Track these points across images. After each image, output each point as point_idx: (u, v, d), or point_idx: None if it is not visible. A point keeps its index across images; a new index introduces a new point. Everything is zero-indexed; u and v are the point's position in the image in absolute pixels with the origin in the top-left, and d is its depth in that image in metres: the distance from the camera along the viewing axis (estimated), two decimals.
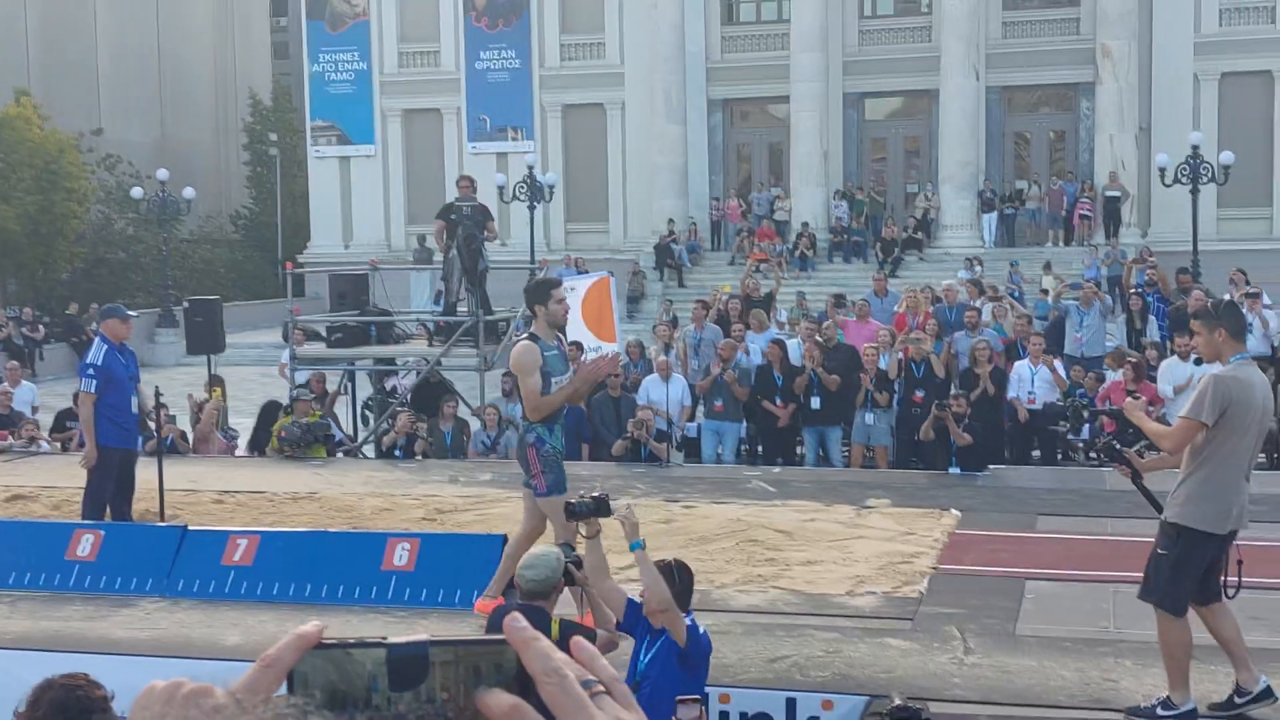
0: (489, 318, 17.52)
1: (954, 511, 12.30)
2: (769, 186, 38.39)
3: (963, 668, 7.87)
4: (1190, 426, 6.77)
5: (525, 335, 8.84)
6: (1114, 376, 16.80)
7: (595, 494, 7.06)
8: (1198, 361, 16.02)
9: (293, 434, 15.54)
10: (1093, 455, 8.20)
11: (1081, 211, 34.61)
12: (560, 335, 9.02)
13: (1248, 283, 19.54)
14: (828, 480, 14.38)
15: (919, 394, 16.04)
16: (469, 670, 0.98)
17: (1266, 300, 18.72)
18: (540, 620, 6.68)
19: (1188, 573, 6.92)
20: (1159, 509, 7.11)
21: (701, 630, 6.25)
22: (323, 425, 16.16)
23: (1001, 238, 35.48)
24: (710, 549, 10.98)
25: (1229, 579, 6.96)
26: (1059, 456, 16.41)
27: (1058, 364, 16.93)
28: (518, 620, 1.01)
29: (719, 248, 37.59)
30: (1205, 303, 8.38)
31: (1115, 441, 7.91)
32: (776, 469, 15.50)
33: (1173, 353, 16.53)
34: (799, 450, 17.27)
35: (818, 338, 17.48)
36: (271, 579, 9.72)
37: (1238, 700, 6.97)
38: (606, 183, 39.88)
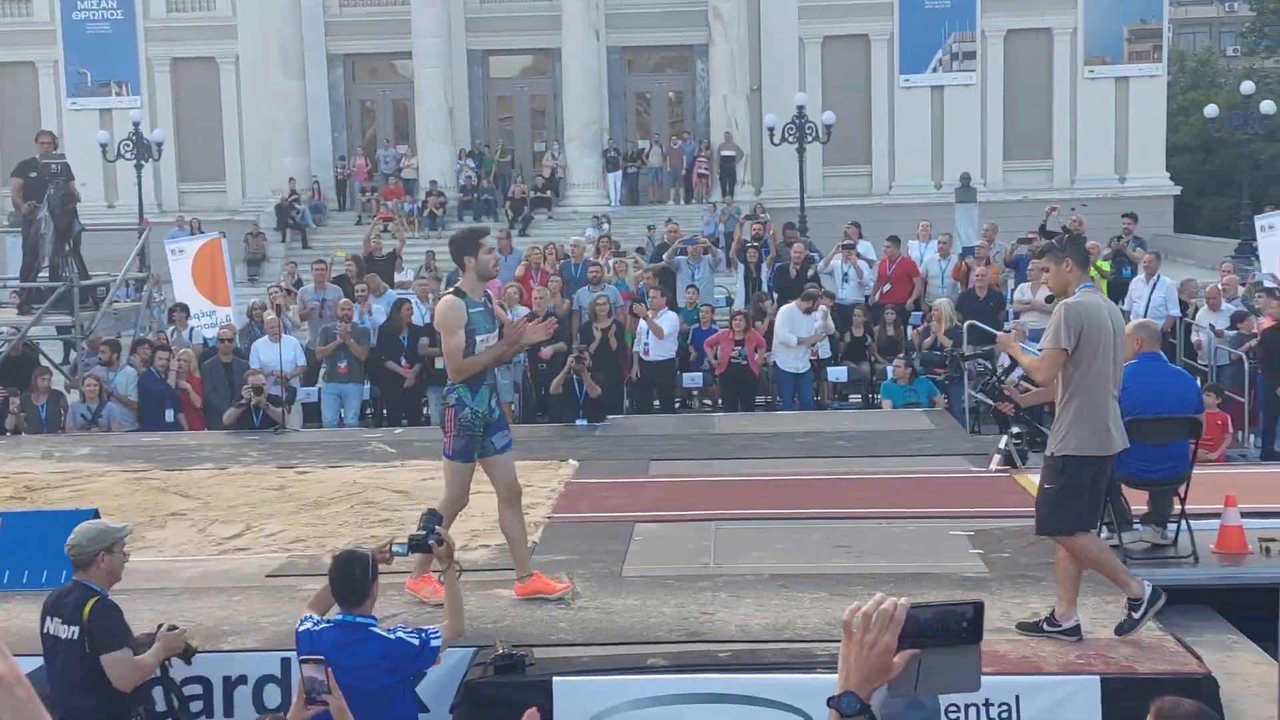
0: (85, 283, 16.43)
1: (571, 461, 12.50)
2: (395, 144, 37.80)
3: (569, 611, 7.99)
4: (1055, 355, 7.11)
5: (451, 290, 8.04)
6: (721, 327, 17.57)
7: (419, 530, 6.66)
8: (810, 311, 16.92)
9: None
10: (983, 393, 8.36)
11: (699, 170, 35.84)
12: (489, 293, 8.31)
13: (861, 236, 20.72)
14: None
15: (545, 350, 16.20)
16: None
17: (863, 251, 19.94)
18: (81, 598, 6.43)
19: (1074, 497, 7.27)
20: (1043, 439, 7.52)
21: (394, 636, 6.17)
22: None
23: (626, 196, 36.31)
24: (324, 513, 10.74)
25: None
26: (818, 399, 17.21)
27: (673, 315, 17.47)
28: None
29: (347, 207, 36.76)
30: (1058, 237, 8.59)
31: (997, 381, 8.17)
32: (399, 430, 15.32)
33: (798, 307, 17.35)
34: (425, 411, 17.14)
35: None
36: None
37: (1133, 614, 7.19)
38: (222, 140, 38.19)
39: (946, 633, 2.49)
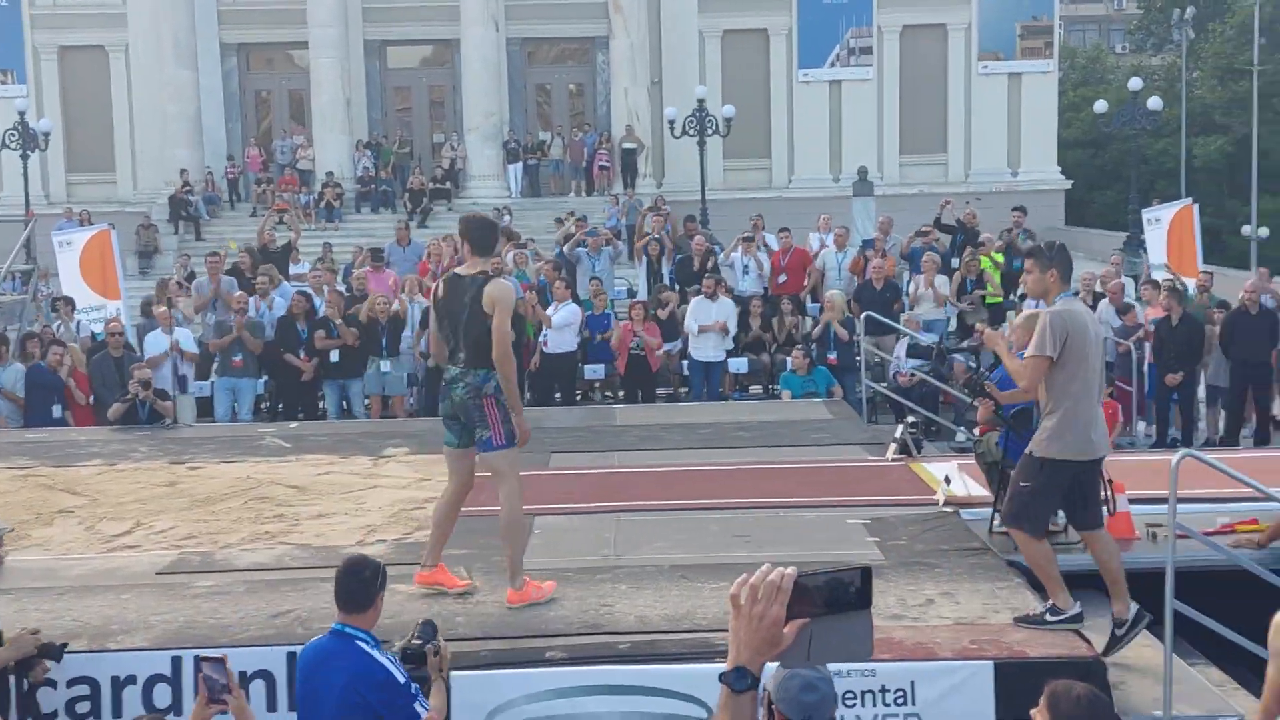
0: None
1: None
2: (291, 135, 37.22)
3: (467, 605, 7.92)
4: (1039, 362, 7.15)
5: (490, 273, 7.82)
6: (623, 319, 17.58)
7: (414, 640, 6.14)
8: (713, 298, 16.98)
9: None
10: (965, 391, 8.34)
11: (600, 163, 35.79)
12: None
13: (764, 228, 20.85)
14: (347, 432, 14.16)
15: None
16: None
17: (770, 244, 20.07)
18: None
19: (1047, 499, 7.40)
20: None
21: (379, 658, 5.60)
22: None
23: (526, 188, 36.14)
24: (216, 509, 10.54)
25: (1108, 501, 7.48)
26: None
27: (574, 307, 17.42)
28: None
29: (243, 199, 36.12)
30: (1040, 243, 8.64)
31: (980, 379, 8.21)
32: (294, 425, 15.09)
33: (700, 293, 17.42)
34: (321, 405, 16.92)
35: (340, 289, 17.14)
36: None
37: (1117, 632, 7.23)
38: (112, 131, 37.27)
39: (836, 600, 2.46)
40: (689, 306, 17.40)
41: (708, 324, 16.95)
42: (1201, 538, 7.80)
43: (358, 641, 5.56)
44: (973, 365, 9.57)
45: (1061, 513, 8.03)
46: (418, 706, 5.50)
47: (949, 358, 8.50)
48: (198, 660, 4.85)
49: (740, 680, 2.52)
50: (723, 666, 2.54)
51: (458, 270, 7.94)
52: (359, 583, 5.67)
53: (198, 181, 34.63)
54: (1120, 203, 39.11)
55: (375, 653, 5.55)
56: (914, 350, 8.63)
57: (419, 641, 5.95)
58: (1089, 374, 7.20)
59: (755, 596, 2.49)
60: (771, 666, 2.58)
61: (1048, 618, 7.38)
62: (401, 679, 5.52)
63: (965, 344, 8.44)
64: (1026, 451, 7.50)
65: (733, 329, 17.30)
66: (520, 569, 7.95)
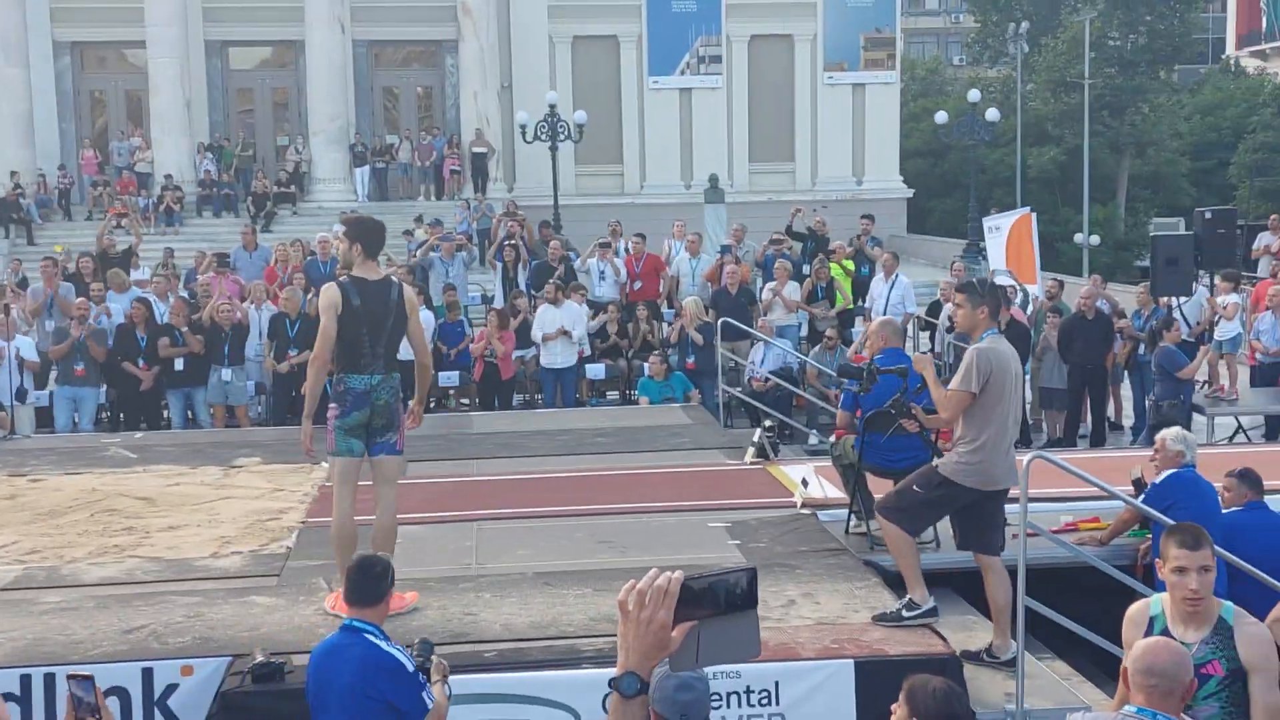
0: None
1: (324, 464, 12.17)
2: (129, 136, 36.15)
3: (327, 618, 7.78)
4: (961, 397, 7.26)
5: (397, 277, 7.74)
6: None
7: (415, 656, 5.97)
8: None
9: None
10: (892, 409, 8.35)
11: (451, 167, 35.55)
12: None
13: (622, 234, 20.91)
14: (195, 443, 13.80)
15: (292, 352, 15.77)
16: None
17: (623, 249, 20.15)
18: None
19: (934, 512, 7.70)
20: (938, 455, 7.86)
21: (388, 648, 5.65)
22: None
23: (374, 191, 35.69)
24: (61, 523, 10.18)
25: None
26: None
27: (428, 314, 17.26)
28: None
29: (79, 202, 34.91)
30: (974, 279, 8.79)
31: (905, 401, 8.31)
32: (139, 435, 14.66)
33: (546, 301, 17.38)
34: (165, 414, 16.47)
35: (183, 294, 16.68)
36: None
37: (985, 657, 7.40)
38: None
39: (722, 602, 2.50)
40: (535, 314, 17.37)
41: (550, 332, 16.92)
42: (1051, 536, 8.08)
43: (367, 635, 5.68)
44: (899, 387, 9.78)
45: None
46: (425, 696, 5.61)
47: (879, 378, 8.68)
48: (67, 678, 4.68)
49: (630, 685, 2.54)
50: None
51: (358, 274, 7.75)
52: (370, 579, 5.79)
53: (29, 184, 33.41)
54: (959, 210, 40.30)
55: (384, 644, 5.66)
56: (844, 370, 8.82)
57: (420, 658, 5.94)
58: (1006, 409, 7.40)
59: (643, 601, 2.51)
60: (655, 673, 2.61)
61: (904, 614, 7.56)
62: (410, 668, 5.62)
63: (893, 368, 8.63)
64: (931, 465, 7.70)
65: (579, 332, 17.24)
66: None
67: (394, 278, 8.12)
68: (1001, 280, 17.95)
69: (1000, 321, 7.89)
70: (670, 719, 3.47)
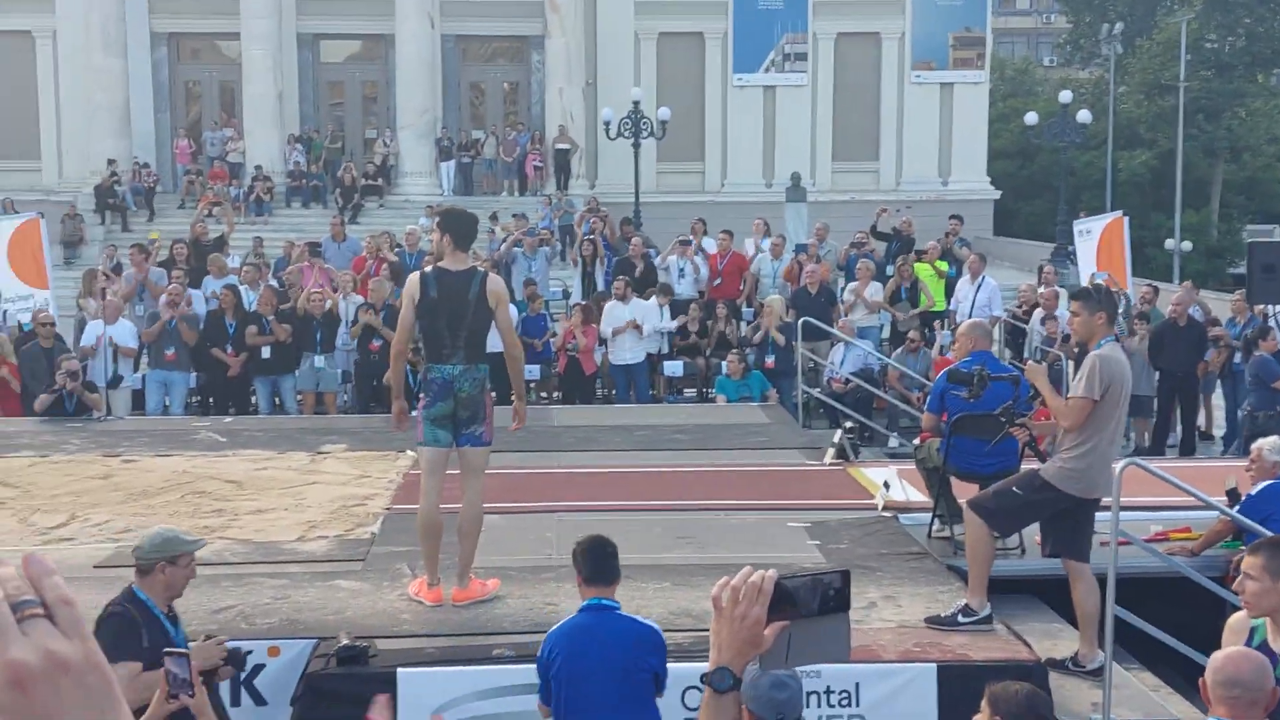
0: None
1: (409, 452, 12.32)
2: (221, 127, 36.76)
3: (411, 603, 7.89)
4: (1084, 404, 7.25)
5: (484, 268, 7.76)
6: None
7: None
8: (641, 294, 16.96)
9: None
10: (1003, 417, 8.39)
11: (533, 162, 35.71)
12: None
13: (706, 233, 20.89)
14: (282, 428, 14.02)
15: (375, 343, 15.95)
16: None
17: (705, 247, 20.13)
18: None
19: (1030, 515, 7.65)
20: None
21: (645, 623, 5.91)
22: None
23: (459, 186, 35.95)
24: (153, 503, 10.40)
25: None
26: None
27: (511, 308, 17.36)
28: None
29: (172, 190, 35.58)
30: (1090, 285, 8.80)
31: (1015, 410, 8.36)
32: (228, 419, 14.92)
33: (615, 297, 17.43)
34: (253, 400, 16.75)
35: (272, 283, 16.95)
36: None
37: (1070, 666, 7.37)
38: (37, 118, 36.58)
39: (815, 603, 2.51)
40: (604, 309, 17.38)
41: (620, 326, 16.93)
42: (1143, 544, 7.96)
43: (616, 611, 5.79)
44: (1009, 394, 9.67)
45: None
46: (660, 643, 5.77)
47: (990, 385, 8.62)
48: (164, 654, 4.78)
49: (723, 681, 2.55)
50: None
51: (442, 265, 7.81)
52: (606, 556, 5.91)
53: (125, 172, 34.09)
54: (1045, 213, 39.73)
55: (639, 619, 5.81)
56: (954, 376, 8.70)
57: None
58: (1119, 419, 7.43)
59: (737, 598, 2.52)
60: (749, 671, 2.62)
61: (960, 619, 7.53)
62: (659, 636, 5.78)
63: (1005, 375, 8.59)
64: (1038, 468, 7.63)
65: (650, 328, 17.17)
66: (470, 567, 7.94)
67: (479, 268, 8.11)
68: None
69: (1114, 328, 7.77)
70: (765, 717, 3.48)
